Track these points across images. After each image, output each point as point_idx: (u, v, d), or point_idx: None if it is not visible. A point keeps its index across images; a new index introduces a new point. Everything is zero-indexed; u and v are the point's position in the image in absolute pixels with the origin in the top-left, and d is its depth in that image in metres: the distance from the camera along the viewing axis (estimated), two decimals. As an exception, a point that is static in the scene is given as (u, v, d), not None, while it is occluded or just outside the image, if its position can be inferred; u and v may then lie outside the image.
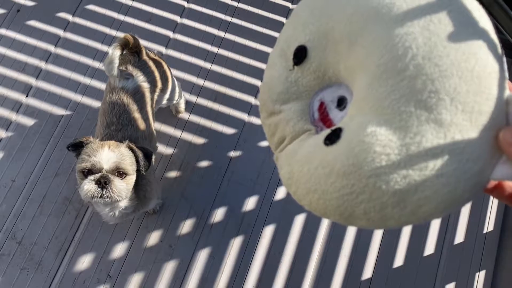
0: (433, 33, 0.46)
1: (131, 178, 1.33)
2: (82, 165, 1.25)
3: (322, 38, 0.59)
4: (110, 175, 1.26)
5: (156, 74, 1.63)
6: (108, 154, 1.26)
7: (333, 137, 0.55)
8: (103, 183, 1.24)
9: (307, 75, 0.62)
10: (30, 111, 2.05)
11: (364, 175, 0.50)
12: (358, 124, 0.54)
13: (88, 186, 1.24)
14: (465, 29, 0.45)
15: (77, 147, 1.32)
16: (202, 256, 1.86)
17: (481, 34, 0.46)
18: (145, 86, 1.58)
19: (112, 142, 1.31)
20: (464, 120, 0.46)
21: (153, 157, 1.69)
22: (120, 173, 1.29)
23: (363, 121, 0.53)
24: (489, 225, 1.97)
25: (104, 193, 1.25)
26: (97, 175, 1.25)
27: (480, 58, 0.45)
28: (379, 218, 0.51)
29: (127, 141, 1.36)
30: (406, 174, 0.49)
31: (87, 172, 1.26)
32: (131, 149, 1.34)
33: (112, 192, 1.26)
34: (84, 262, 1.82)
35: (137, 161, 1.34)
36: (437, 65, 0.45)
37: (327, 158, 0.54)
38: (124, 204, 1.41)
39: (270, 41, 2.25)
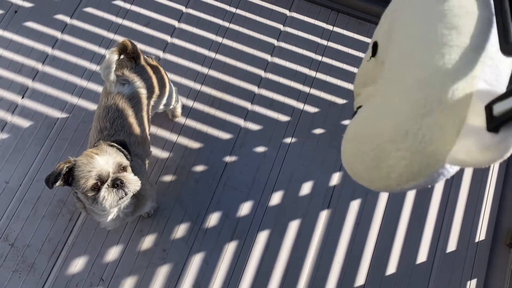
0: None
1: (129, 168, 1.37)
2: (90, 182, 1.24)
3: (386, 37, 0.75)
4: (118, 174, 1.28)
5: (154, 80, 1.63)
6: (103, 159, 1.27)
7: (355, 113, 0.78)
8: (119, 184, 1.26)
9: (379, 65, 0.76)
10: (25, 113, 2.04)
11: (357, 141, 0.71)
12: (365, 105, 0.77)
13: (110, 195, 1.26)
14: None
15: (66, 176, 1.27)
16: (196, 260, 1.86)
17: None
18: (142, 91, 1.58)
19: (93, 150, 1.30)
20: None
21: (147, 161, 1.69)
22: (122, 167, 1.31)
23: (367, 103, 0.76)
24: (481, 234, 1.99)
25: (125, 191, 1.28)
26: (109, 181, 1.26)
27: None
28: (368, 179, 0.69)
29: (100, 141, 1.37)
30: (378, 144, 0.64)
31: (96, 185, 1.26)
32: (111, 145, 1.35)
33: (130, 185, 1.29)
34: (77, 265, 1.82)
35: (120, 151, 1.36)
36: None
37: (347, 128, 0.77)
38: (126, 201, 1.43)
39: (267, 48, 2.26)
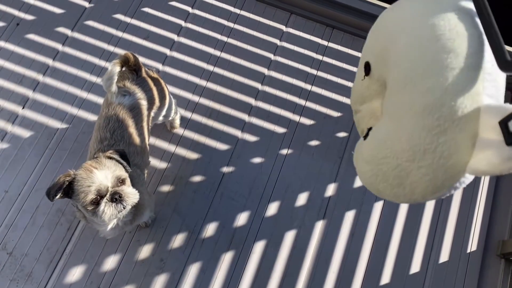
0: None
1: (128, 180, 1.39)
2: (89, 197, 1.27)
3: (380, 57, 0.81)
4: (117, 188, 1.30)
5: (154, 92, 1.67)
6: (102, 173, 1.29)
7: (367, 134, 0.83)
8: (118, 198, 1.29)
9: (374, 83, 0.84)
10: (26, 123, 2.07)
11: (376, 163, 0.73)
12: (376, 127, 0.80)
13: (109, 208, 1.29)
14: None
15: (66, 189, 1.30)
16: (193, 270, 1.88)
17: None
18: (142, 103, 1.62)
19: (92, 163, 1.32)
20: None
21: (146, 171, 1.72)
22: (120, 181, 1.34)
23: (378, 124, 0.79)
24: (473, 245, 2.03)
25: (124, 204, 1.31)
26: (108, 195, 1.29)
27: None
28: (392, 195, 0.73)
29: (100, 153, 1.39)
30: (398, 164, 0.69)
31: (96, 200, 1.28)
32: (109, 158, 1.37)
33: (128, 199, 1.32)
34: (75, 274, 1.83)
35: (119, 163, 1.38)
36: None
37: (361, 149, 0.81)
38: (126, 210, 1.44)
39: (264, 62, 2.32)
